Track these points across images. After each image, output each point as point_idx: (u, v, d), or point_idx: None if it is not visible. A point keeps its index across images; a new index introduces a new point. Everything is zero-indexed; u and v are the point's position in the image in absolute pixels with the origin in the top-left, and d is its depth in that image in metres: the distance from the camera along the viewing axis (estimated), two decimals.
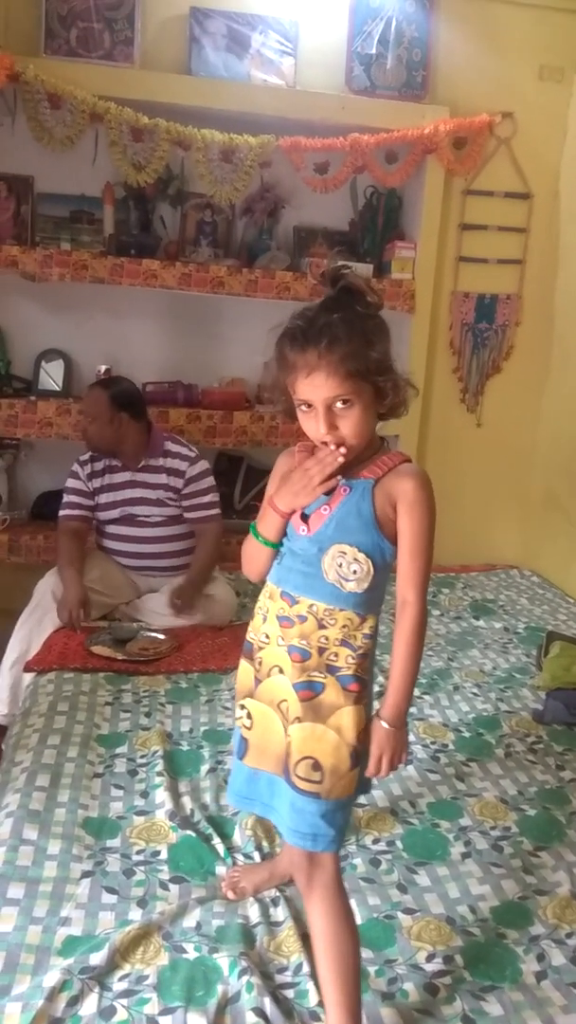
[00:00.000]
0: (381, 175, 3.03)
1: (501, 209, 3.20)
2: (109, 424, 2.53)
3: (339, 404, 1.20)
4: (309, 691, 1.23)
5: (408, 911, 1.45)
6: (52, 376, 3.08)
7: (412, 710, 2.15)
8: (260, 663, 1.29)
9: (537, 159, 3.18)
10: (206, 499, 2.64)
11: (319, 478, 1.23)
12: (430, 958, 1.35)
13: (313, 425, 1.22)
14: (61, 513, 2.65)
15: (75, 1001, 1.22)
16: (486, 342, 3.30)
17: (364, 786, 1.40)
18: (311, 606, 1.24)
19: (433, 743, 2.01)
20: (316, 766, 1.21)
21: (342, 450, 1.22)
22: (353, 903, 1.43)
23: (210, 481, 2.67)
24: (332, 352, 1.16)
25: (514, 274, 3.27)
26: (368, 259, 3.17)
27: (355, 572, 1.22)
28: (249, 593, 2.73)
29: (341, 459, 1.22)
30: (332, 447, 1.22)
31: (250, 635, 1.33)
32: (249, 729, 1.30)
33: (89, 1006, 1.21)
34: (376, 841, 1.63)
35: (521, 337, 3.33)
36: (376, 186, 3.17)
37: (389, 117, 2.97)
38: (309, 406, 1.21)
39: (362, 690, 1.25)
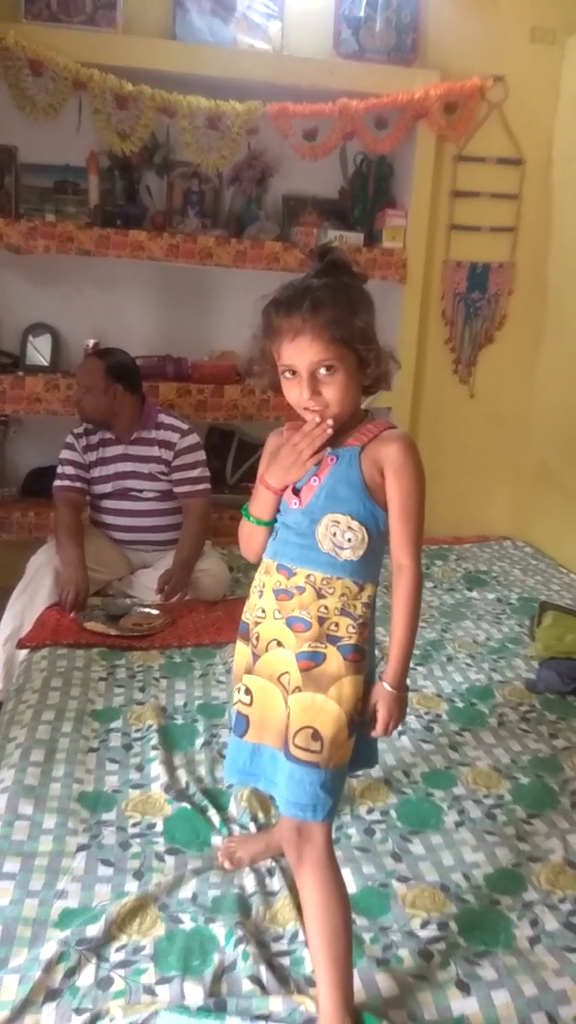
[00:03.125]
0: (371, 141, 2.98)
1: (493, 175, 3.15)
2: (103, 395, 2.51)
3: (322, 370, 1.22)
4: (310, 661, 1.24)
5: (402, 879, 1.46)
6: (40, 351, 3.04)
7: (406, 681, 2.17)
8: (258, 638, 1.30)
9: (529, 124, 3.13)
10: (194, 473, 2.62)
11: (308, 452, 1.25)
12: (424, 925, 1.36)
13: (296, 392, 1.24)
14: (57, 484, 2.63)
15: (72, 972, 1.22)
16: (479, 312, 3.27)
17: (370, 759, 1.42)
18: (308, 576, 1.25)
19: (427, 713, 2.02)
20: (316, 735, 1.22)
21: (329, 422, 1.24)
22: (348, 872, 1.45)
23: (199, 455, 2.65)
24: (317, 316, 1.18)
25: (507, 242, 3.24)
26: (358, 228, 3.12)
27: (350, 540, 1.23)
28: (242, 568, 2.73)
29: (329, 431, 1.24)
30: (318, 419, 1.24)
31: (246, 615, 1.33)
32: (249, 706, 1.30)
33: (86, 977, 1.22)
34: (370, 811, 1.64)
35: (514, 306, 3.30)
36: (366, 153, 3.12)
37: (378, 82, 2.92)
38: (293, 373, 1.23)
39: (361, 660, 1.26)
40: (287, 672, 1.26)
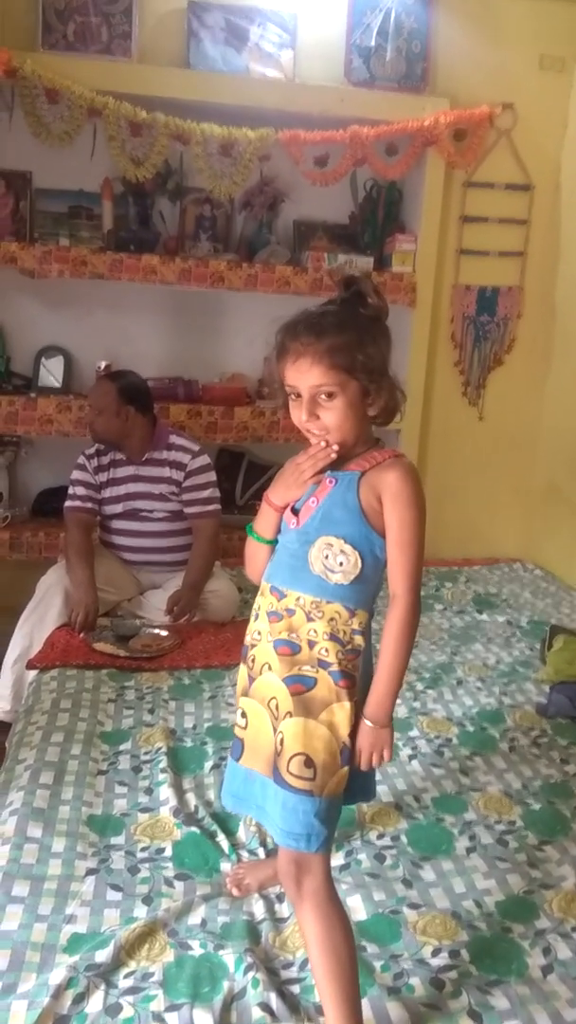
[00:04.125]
0: (381, 168, 3.02)
1: (502, 201, 3.18)
2: (115, 417, 2.53)
3: (322, 395, 1.23)
4: (300, 685, 1.22)
5: (413, 906, 1.45)
6: (52, 373, 3.07)
7: (416, 704, 2.17)
8: (253, 660, 1.29)
9: (538, 150, 3.16)
10: (204, 494, 2.63)
11: (310, 472, 1.27)
12: (436, 952, 1.35)
13: (298, 413, 1.26)
14: (68, 504, 2.65)
15: (81, 999, 1.21)
16: (487, 335, 3.29)
17: (367, 792, 1.40)
18: (298, 598, 1.25)
19: (437, 737, 2.00)
20: (308, 762, 1.20)
21: (334, 446, 1.25)
22: (358, 898, 1.44)
23: (210, 476, 2.66)
24: (319, 341, 1.21)
25: (515, 266, 3.26)
26: (368, 252, 3.15)
27: (341, 564, 1.23)
28: (251, 589, 2.69)
29: (333, 455, 1.25)
30: (323, 444, 1.26)
31: (246, 636, 1.33)
32: (244, 729, 1.30)
33: (95, 1003, 1.21)
34: (381, 836, 1.63)
35: (523, 330, 3.32)
36: (376, 179, 3.15)
37: (389, 109, 2.96)
38: (297, 395, 1.25)
39: (352, 687, 1.23)
40: (275, 697, 1.24)
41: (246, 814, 1.38)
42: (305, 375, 1.22)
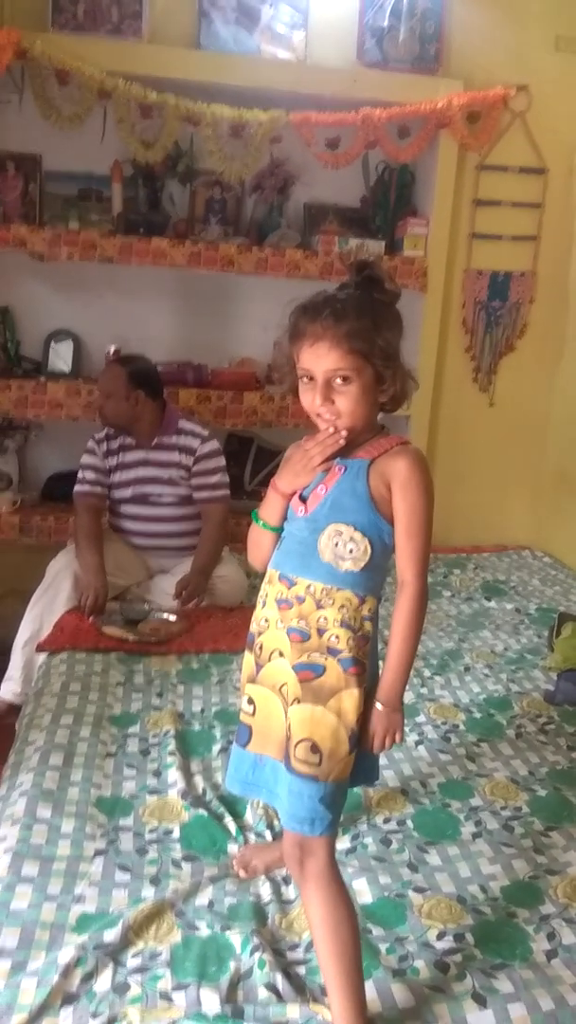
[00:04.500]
0: (393, 150, 2.98)
1: (515, 184, 3.14)
2: (125, 401, 2.53)
3: (338, 380, 1.23)
4: (309, 672, 1.23)
5: (419, 890, 1.46)
6: (62, 357, 3.07)
7: (423, 690, 2.17)
8: (260, 648, 1.30)
9: (552, 133, 3.12)
10: (213, 479, 2.63)
11: (319, 458, 1.26)
12: (441, 936, 1.36)
13: (310, 397, 1.25)
14: (78, 489, 2.65)
15: (89, 977, 1.23)
16: (499, 320, 3.26)
17: (370, 775, 1.41)
18: (308, 586, 1.25)
19: (444, 723, 2.01)
20: (314, 748, 1.21)
21: (343, 432, 1.24)
22: (364, 881, 1.45)
23: (219, 461, 2.66)
24: (338, 325, 1.20)
25: (528, 251, 3.23)
26: (380, 236, 3.13)
27: (351, 551, 1.23)
28: (259, 574, 2.71)
29: (342, 441, 1.24)
30: (332, 429, 1.25)
31: (252, 624, 1.34)
32: (252, 716, 1.30)
33: (103, 982, 1.23)
34: (387, 820, 1.64)
35: (535, 315, 3.29)
36: (388, 161, 3.12)
37: (402, 91, 2.92)
38: (310, 378, 1.24)
39: (362, 673, 1.24)
40: (286, 683, 1.25)
41: (256, 798, 1.38)
42: (323, 358, 1.21)
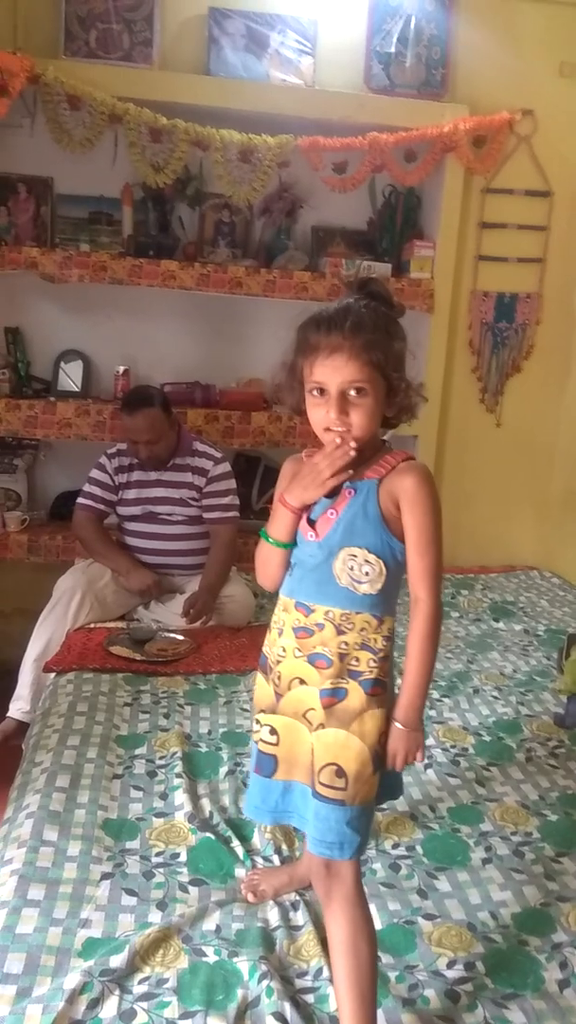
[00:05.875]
0: (400, 174, 3.01)
1: (521, 207, 3.17)
2: (170, 431, 2.59)
3: (352, 392, 1.21)
4: (332, 697, 1.23)
5: (428, 916, 1.44)
6: (71, 377, 3.09)
7: (431, 713, 2.15)
8: (279, 677, 1.29)
9: (558, 156, 3.15)
10: (224, 500, 2.64)
11: (328, 472, 1.23)
12: (451, 964, 1.34)
13: (321, 412, 1.23)
14: (80, 500, 2.67)
15: (95, 1004, 1.21)
16: (506, 341, 3.28)
17: (395, 791, 1.40)
18: (327, 612, 1.24)
19: (453, 747, 1.99)
20: (340, 772, 1.21)
21: (352, 444, 1.22)
22: (373, 908, 1.43)
23: (231, 483, 2.68)
24: (356, 336, 1.19)
25: (534, 273, 3.24)
26: (386, 258, 3.15)
27: (367, 574, 1.22)
28: (267, 594, 2.72)
29: (352, 453, 1.22)
30: (339, 440, 1.22)
31: (266, 648, 1.33)
32: (275, 745, 1.29)
33: (109, 1009, 1.21)
34: (396, 846, 1.62)
35: (541, 336, 3.30)
36: (395, 185, 3.15)
37: (408, 116, 2.95)
38: (321, 392, 1.22)
39: (383, 693, 1.25)
40: (312, 708, 1.25)
41: (288, 824, 1.36)
42: (340, 371, 1.20)
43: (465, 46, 3.04)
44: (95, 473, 2.67)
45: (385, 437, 1.32)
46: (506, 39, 3.05)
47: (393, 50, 2.98)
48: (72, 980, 1.24)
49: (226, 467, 2.67)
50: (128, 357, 3.12)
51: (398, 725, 1.24)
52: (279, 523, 1.29)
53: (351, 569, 1.22)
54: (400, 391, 1.24)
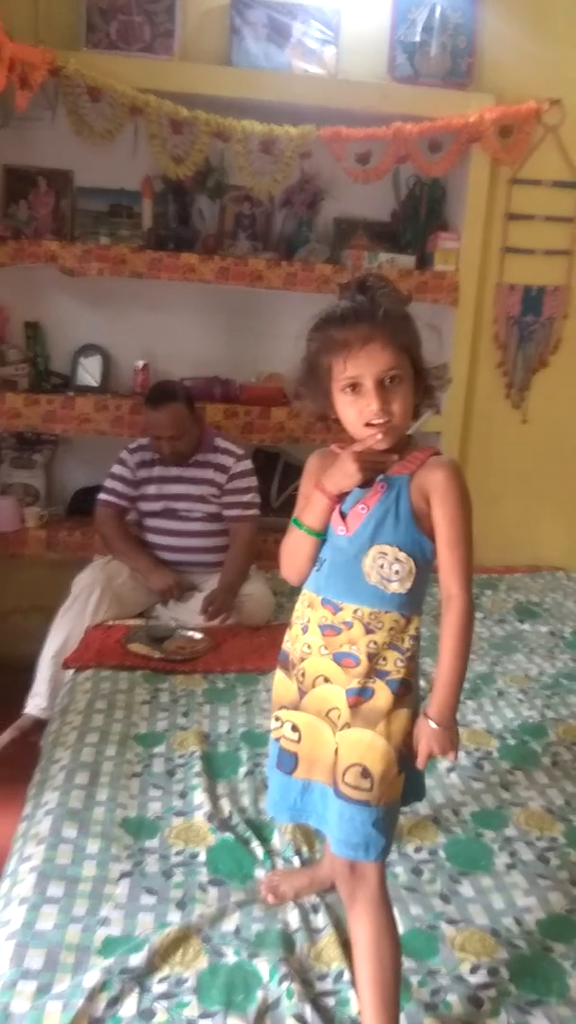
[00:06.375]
0: (424, 165, 2.97)
1: (548, 198, 3.11)
2: (193, 427, 2.57)
3: (388, 380, 1.19)
4: (359, 697, 1.21)
5: (451, 921, 1.42)
6: (90, 372, 3.08)
7: (454, 716, 2.12)
8: (303, 674, 1.27)
9: None
10: (245, 498, 2.62)
11: (368, 459, 1.22)
12: (474, 970, 1.32)
13: (358, 408, 1.20)
14: (101, 497, 2.67)
15: (115, 1002, 1.21)
16: (532, 335, 3.22)
17: (418, 792, 1.37)
18: (356, 611, 1.22)
19: (477, 750, 1.96)
20: (365, 773, 1.19)
21: (380, 432, 1.20)
22: (395, 912, 1.40)
23: (252, 480, 2.66)
24: (387, 323, 1.18)
25: (562, 265, 3.18)
26: (410, 251, 3.11)
27: (397, 572, 1.21)
28: (286, 593, 2.70)
29: (380, 437, 1.20)
30: (380, 436, 1.20)
31: (287, 645, 1.31)
32: (297, 743, 1.28)
33: (129, 1007, 1.20)
34: (418, 850, 1.60)
35: (569, 330, 3.24)
36: (419, 176, 3.11)
37: (433, 105, 2.91)
38: (354, 388, 1.20)
39: (409, 694, 1.23)
40: (337, 708, 1.23)
41: (306, 823, 1.35)
42: (376, 359, 1.17)
43: (491, 34, 2.98)
44: (116, 469, 2.66)
45: (409, 431, 1.30)
46: (533, 27, 2.99)
47: (418, 39, 2.93)
48: (92, 978, 1.23)
49: (248, 464, 2.65)
50: (147, 352, 3.10)
51: (432, 724, 1.21)
52: (314, 510, 1.27)
53: (381, 567, 1.21)
54: (425, 372, 1.24)
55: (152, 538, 2.68)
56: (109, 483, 2.66)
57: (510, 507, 3.28)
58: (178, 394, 2.55)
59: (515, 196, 3.09)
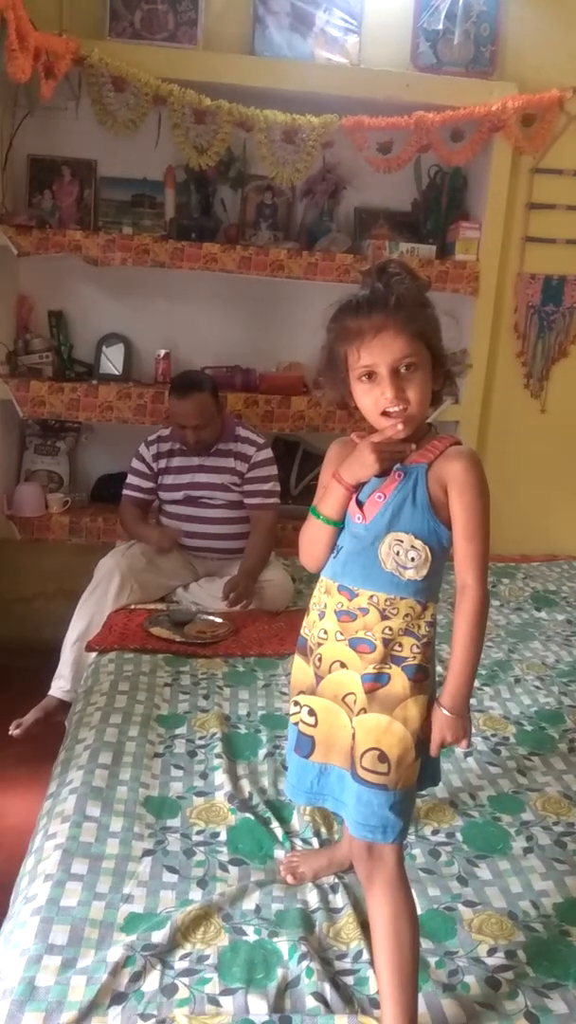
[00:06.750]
0: (446, 154, 2.96)
1: (570, 187, 3.09)
2: (217, 417, 2.58)
3: (403, 368, 1.19)
4: (375, 683, 1.22)
5: (469, 904, 1.43)
6: (112, 360, 3.11)
7: (472, 701, 2.12)
8: (320, 659, 1.28)
9: None
10: (266, 486, 2.64)
11: (387, 449, 1.23)
12: (492, 952, 1.33)
13: (373, 396, 1.21)
14: (125, 492, 2.73)
15: (138, 977, 1.23)
16: (552, 325, 3.21)
17: (434, 777, 1.39)
18: (371, 597, 1.23)
19: (494, 735, 1.97)
20: (382, 757, 1.20)
21: (400, 421, 1.21)
22: (413, 893, 1.42)
23: (272, 469, 2.68)
24: (400, 310, 1.17)
25: None
26: (431, 240, 3.10)
27: (413, 559, 1.21)
28: (305, 579, 2.72)
29: (400, 426, 1.20)
30: (400, 426, 1.20)
31: (304, 631, 1.32)
32: (314, 727, 1.29)
33: (151, 982, 1.23)
34: (435, 832, 1.62)
35: None
36: (440, 165, 3.10)
37: (455, 94, 2.90)
38: (370, 376, 1.20)
39: (425, 680, 1.24)
40: (352, 693, 1.24)
41: (323, 807, 1.37)
42: (390, 347, 1.18)
43: (515, 23, 2.97)
44: (135, 464, 2.70)
45: (429, 420, 1.30)
46: (557, 15, 2.97)
47: (441, 27, 2.92)
48: (115, 953, 1.25)
49: (268, 453, 2.67)
50: (169, 341, 3.12)
51: (445, 712, 1.23)
52: (331, 500, 1.28)
53: (397, 554, 1.22)
54: (444, 359, 1.23)
55: (173, 525, 2.71)
56: (130, 479, 2.72)
57: (528, 496, 3.28)
58: (204, 384, 2.57)
59: (537, 185, 3.08)
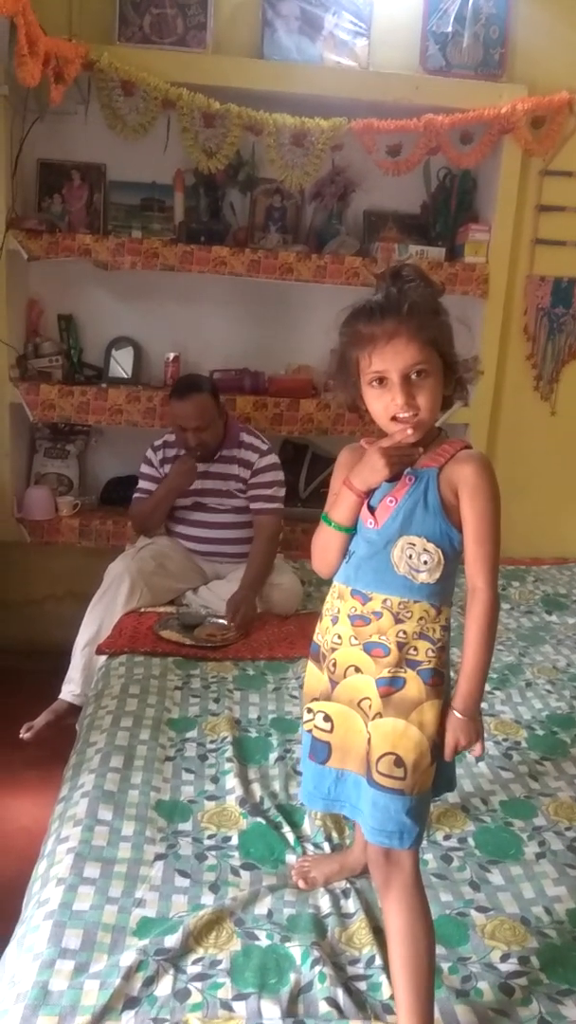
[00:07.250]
0: (455, 156, 2.96)
1: None
2: (218, 420, 2.58)
3: (414, 375, 1.19)
4: (390, 687, 1.22)
5: (481, 909, 1.43)
6: (121, 364, 3.11)
7: (483, 705, 2.10)
8: (334, 664, 1.28)
9: None
10: (269, 491, 2.64)
11: (396, 455, 1.23)
12: (505, 958, 1.33)
13: (384, 402, 1.21)
14: (134, 497, 2.73)
15: (151, 981, 1.23)
16: (562, 327, 3.20)
17: (450, 783, 1.38)
18: (385, 601, 1.23)
19: (505, 740, 1.97)
20: (398, 762, 1.20)
21: (410, 427, 1.21)
22: None
23: (277, 475, 2.67)
24: (412, 317, 1.17)
25: None
26: (440, 243, 3.10)
27: (426, 563, 1.21)
28: (314, 582, 2.72)
29: (410, 431, 1.21)
30: (410, 431, 1.21)
31: (318, 637, 1.32)
32: (330, 732, 1.29)
33: (164, 987, 1.22)
34: (447, 837, 1.61)
35: None
36: (450, 168, 3.09)
37: (465, 97, 2.89)
38: (381, 382, 1.21)
39: (441, 684, 1.23)
40: (367, 697, 1.24)
41: (339, 813, 1.36)
42: (401, 354, 1.18)
43: (524, 25, 2.96)
44: (144, 468, 2.71)
45: (438, 424, 1.30)
46: (566, 17, 2.96)
47: (450, 30, 2.92)
48: (128, 958, 1.25)
49: (272, 458, 2.66)
50: (178, 344, 3.13)
51: (457, 714, 1.22)
52: (342, 507, 1.28)
53: (409, 558, 1.22)
54: (456, 366, 1.23)
55: (180, 529, 2.71)
56: (140, 483, 2.72)
57: (538, 499, 3.27)
58: (203, 385, 2.58)
59: (546, 187, 3.07)
